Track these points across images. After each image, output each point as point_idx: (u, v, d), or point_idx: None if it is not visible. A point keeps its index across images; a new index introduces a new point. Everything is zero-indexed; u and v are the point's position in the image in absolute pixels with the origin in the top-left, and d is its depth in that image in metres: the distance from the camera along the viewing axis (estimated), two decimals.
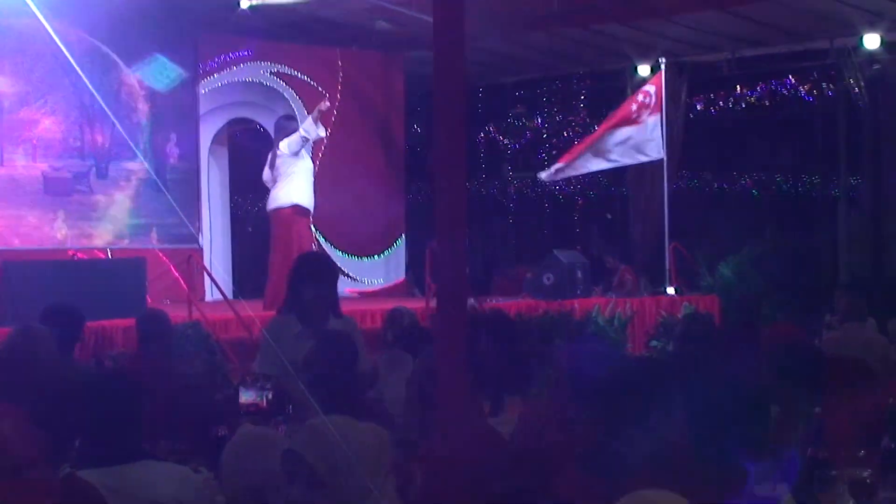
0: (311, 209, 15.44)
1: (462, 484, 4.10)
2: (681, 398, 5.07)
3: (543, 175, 17.94)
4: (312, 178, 15.42)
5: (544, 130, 25.11)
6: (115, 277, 12.90)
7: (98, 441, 4.75)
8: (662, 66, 17.36)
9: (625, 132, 16.92)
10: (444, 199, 4.36)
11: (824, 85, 20.89)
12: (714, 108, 21.70)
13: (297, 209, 15.12)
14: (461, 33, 4.50)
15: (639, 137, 16.84)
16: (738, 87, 21.41)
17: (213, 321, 12.82)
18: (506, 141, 25.35)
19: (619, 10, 17.42)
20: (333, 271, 7.55)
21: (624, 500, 3.59)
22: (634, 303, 15.78)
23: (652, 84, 17.47)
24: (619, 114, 17.43)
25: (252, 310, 14.15)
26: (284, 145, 15.05)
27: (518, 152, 25.84)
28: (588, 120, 24.09)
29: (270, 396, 4.93)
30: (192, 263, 15.76)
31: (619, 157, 17.05)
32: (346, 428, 3.72)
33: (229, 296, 16.08)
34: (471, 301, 14.56)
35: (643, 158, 17.08)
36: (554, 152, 24.85)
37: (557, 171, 17.51)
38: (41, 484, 4.57)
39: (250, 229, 21.79)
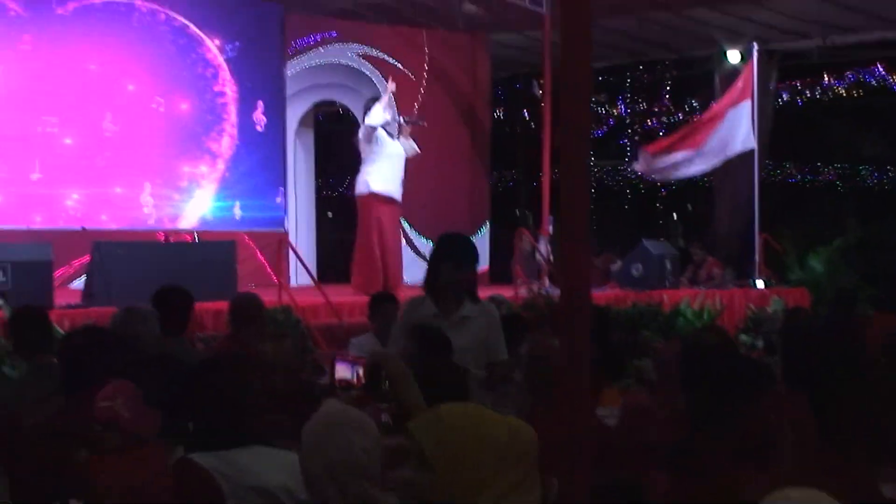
0: (394, 196, 15.06)
1: (576, 475, 4.02)
2: (797, 397, 4.96)
3: (638, 167, 17.59)
4: (399, 163, 15.06)
5: (627, 117, 24.95)
6: (206, 260, 12.84)
7: (210, 425, 4.69)
8: (755, 52, 17.08)
9: (718, 126, 16.64)
10: (567, 188, 4.20)
11: None
12: (801, 97, 21.44)
13: (375, 196, 14.90)
14: (588, 13, 4.34)
15: (729, 127, 16.57)
16: (826, 75, 21.13)
17: (302, 306, 12.75)
18: None
19: None
20: (473, 255, 7.30)
21: (769, 499, 3.46)
22: (724, 296, 15.59)
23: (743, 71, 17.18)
24: (717, 108, 17.17)
25: (339, 294, 14.12)
26: (359, 133, 14.94)
27: (600, 139, 25.69)
28: (672, 108, 23.90)
29: (361, 373, 4.82)
30: (281, 247, 15.71)
31: (716, 156, 16.73)
32: (476, 417, 3.56)
33: (308, 281, 16.03)
34: (551, 291, 14.49)
35: (734, 150, 16.76)
36: (636, 138, 24.73)
37: (653, 167, 17.16)
38: (154, 463, 4.52)
39: (330, 214, 21.77)
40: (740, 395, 4.79)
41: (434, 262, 7.23)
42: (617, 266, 17.02)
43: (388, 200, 15.02)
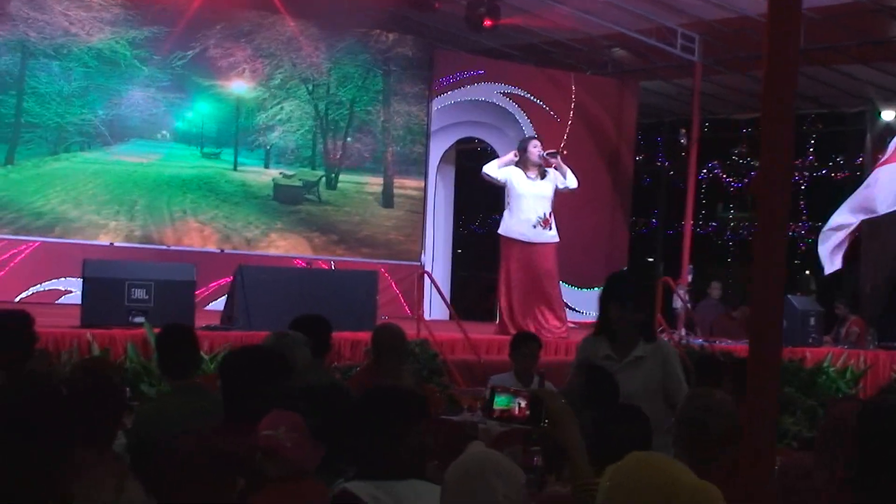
0: (525, 239, 14.88)
1: None
2: None
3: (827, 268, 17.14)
4: (536, 204, 14.91)
5: None
6: (347, 288, 12.81)
7: (372, 457, 4.59)
8: None
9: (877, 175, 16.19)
10: (764, 240, 4.04)
11: None
12: None
13: (504, 239, 14.99)
14: (796, 57, 4.17)
15: (887, 183, 16.09)
16: None
17: (440, 340, 12.65)
18: (728, 179, 24.83)
19: (865, 49, 16.88)
20: (643, 294, 7.08)
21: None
22: (868, 356, 15.20)
23: None
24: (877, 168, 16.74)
25: (475, 332, 14.00)
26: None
27: (739, 191, 25.34)
28: (816, 163, 23.50)
29: (524, 405, 4.66)
30: (419, 281, 15.63)
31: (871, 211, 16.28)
32: (660, 470, 3.39)
33: (444, 315, 15.98)
34: (700, 342, 14.21)
35: (889, 207, 16.30)
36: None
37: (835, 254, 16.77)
38: (314, 495, 4.40)
39: (460, 251, 21.61)
40: None
41: (603, 302, 7.02)
42: None
43: (517, 243, 14.91)
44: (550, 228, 14.86)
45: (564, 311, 15.49)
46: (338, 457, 4.66)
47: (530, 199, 14.68)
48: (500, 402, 4.64)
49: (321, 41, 17.27)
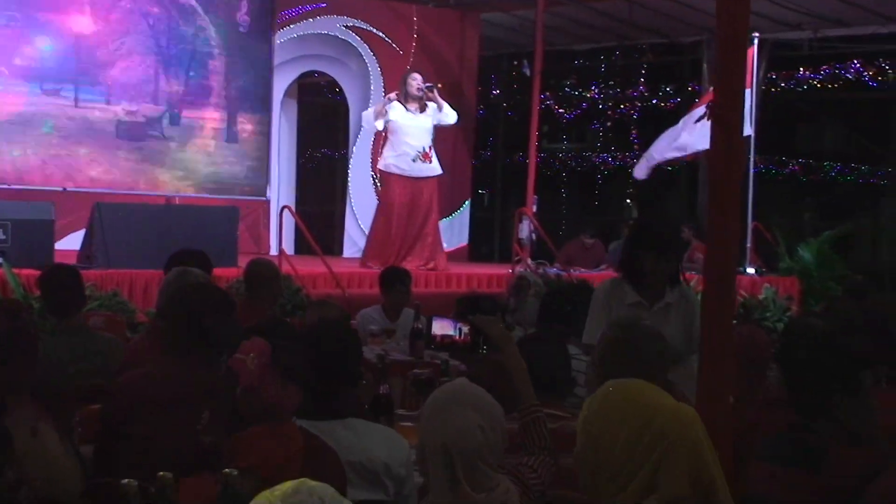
0: (408, 174, 15.10)
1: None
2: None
3: (638, 174, 17.49)
4: (418, 137, 15.03)
5: (599, 101, 24.86)
6: (207, 225, 12.66)
7: (312, 395, 4.57)
8: (755, 41, 16.96)
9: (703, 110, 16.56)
10: (717, 175, 4.13)
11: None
12: (789, 88, 21.41)
13: (386, 175, 15.19)
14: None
15: None
16: (814, 67, 21.09)
17: (302, 275, 12.58)
18: (560, 110, 25.07)
19: None
20: (678, 244, 6.92)
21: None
22: None
23: None
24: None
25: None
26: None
27: (571, 122, 25.63)
28: (646, 94, 23.84)
29: (465, 331, 4.67)
30: (268, 216, 15.50)
31: (702, 139, 16.66)
32: (637, 395, 3.43)
33: (290, 251, 15.89)
34: (554, 271, 14.37)
35: None
36: (608, 124, 24.68)
37: (649, 163, 17.14)
38: (293, 441, 4.36)
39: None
40: (848, 384, 4.71)
41: (633, 249, 6.77)
42: (613, 249, 16.98)
43: (397, 177, 15.02)
44: (431, 162, 14.92)
45: (442, 244, 15.55)
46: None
47: (410, 133, 14.72)
48: (439, 327, 4.66)
49: None
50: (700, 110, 16.50)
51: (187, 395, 5.07)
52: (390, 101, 14.82)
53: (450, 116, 14.98)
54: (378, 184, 15.25)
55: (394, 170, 14.83)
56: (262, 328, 5.49)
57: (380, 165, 15.14)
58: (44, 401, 5.31)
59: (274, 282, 9.16)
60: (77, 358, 6.89)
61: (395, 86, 17.05)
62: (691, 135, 16.46)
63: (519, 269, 15.05)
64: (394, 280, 10.16)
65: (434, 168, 15.10)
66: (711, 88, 16.54)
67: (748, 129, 16.41)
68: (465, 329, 4.64)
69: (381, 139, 15.70)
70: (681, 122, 16.88)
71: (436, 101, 14.87)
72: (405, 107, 14.68)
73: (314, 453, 4.28)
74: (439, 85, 15.81)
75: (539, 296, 9.78)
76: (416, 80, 14.88)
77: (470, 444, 3.81)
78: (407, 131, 14.70)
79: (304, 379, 4.46)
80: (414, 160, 14.82)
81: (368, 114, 14.87)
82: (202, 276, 7.07)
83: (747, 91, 15.86)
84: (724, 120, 4.18)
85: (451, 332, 4.84)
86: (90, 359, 7.02)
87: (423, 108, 14.78)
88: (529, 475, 4.33)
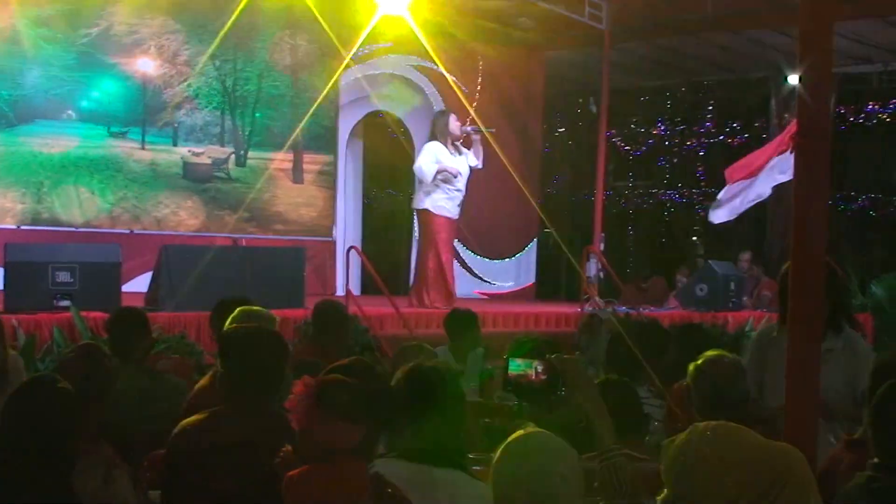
0: (451, 216, 14.98)
1: None
2: None
3: (714, 218, 17.22)
4: (460, 183, 14.86)
5: (665, 138, 24.71)
6: (274, 266, 12.58)
7: (414, 439, 4.49)
8: None
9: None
10: (803, 214, 4.02)
11: None
12: (864, 122, 21.14)
13: (433, 215, 14.87)
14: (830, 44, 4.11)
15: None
16: (888, 100, 20.81)
17: (368, 315, 12.50)
18: (626, 147, 24.95)
19: (773, 15, 16.98)
20: (830, 282, 6.54)
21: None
22: None
23: None
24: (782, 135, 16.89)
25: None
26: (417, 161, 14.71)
27: (639, 159, 25.46)
28: (714, 130, 23.67)
29: (541, 371, 4.55)
30: (334, 256, 15.46)
31: (779, 175, 16.47)
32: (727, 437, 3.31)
33: (356, 290, 15.80)
34: (624, 310, 14.23)
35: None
36: (675, 160, 24.50)
37: (725, 208, 16.90)
38: (351, 478, 4.25)
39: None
40: None
41: (782, 292, 6.43)
42: (681, 285, 16.85)
43: (446, 219, 14.85)
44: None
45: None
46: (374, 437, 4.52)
47: (460, 176, 14.57)
48: (515, 366, 4.52)
49: (227, 16, 16.98)
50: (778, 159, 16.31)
51: (240, 444, 4.97)
52: (434, 146, 14.57)
53: (480, 160, 14.80)
54: (420, 223, 14.97)
55: (444, 212, 14.65)
56: (345, 368, 5.38)
57: (427, 206, 14.70)
58: (114, 445, 5.27)
59: (343, 323, 9.09)
60: (145, 401, 6.84)
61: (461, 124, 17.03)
62: (766, 179, 16.30)
63: (587, 307, 14.92)
64: (463, 324, 10.02)
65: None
66: (791, 124, 16.56)
67: None
68: (542, 369, 4.50)
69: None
70: (761, 173, 16.56)
71: (474, 145, 14.69)
72: (447, 149, 14.53)
73: (381, 498, 4.18)
74: (493, 130, 15.62)
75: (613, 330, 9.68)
76: (457, 122, 14.77)
77: (552, 492, 3.70)
78: (458, 173, 14.54)
79: (360, 416, 4.35)
80: (460, 204, 14.72)
81: (427, 168, 14.46)
82: (268, 317, 7.00)
83: None
84: (809, 154, 4.05)
85: (527, 372, 4.71)
86: (158, 402, 6.96)
87: (459, 151, 14.62)
88: None
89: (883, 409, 4.54)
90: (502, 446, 3.96)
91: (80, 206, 15.80)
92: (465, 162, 14.62)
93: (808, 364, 4.26)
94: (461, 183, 14.64)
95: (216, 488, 4.94)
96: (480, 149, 14.74)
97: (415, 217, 15.54)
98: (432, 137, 14.68)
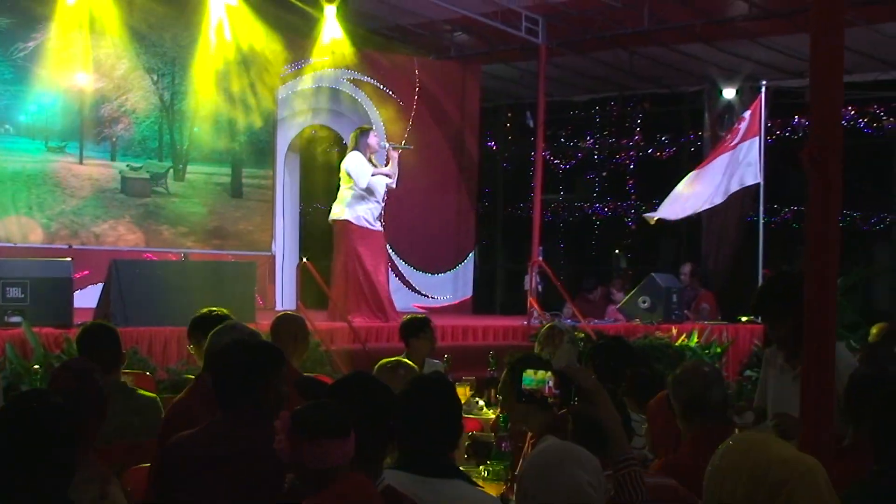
0: (374, 228, 14.92)
1: None
2: None
3: (651, 218, 17.32)
4: (380, 194, 14.86)
5: (595, 151, 24.82)
6: (224, 281, 12.53)
7: (416, 451, 4.51)
8: (763, 90, 16.99)
9: (722, 160, 16.56)
10: (816, 232, 4.06)
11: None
12: (794, 135, 21.37)
13: (354, 227, 14.76)
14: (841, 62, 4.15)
15: (736, 163, 16.48)
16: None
17: (320, 330, 12.48)
18: (556, 160, 25.03)
19: (708, 29, 17.17)
20: (784, 304, 6.30)
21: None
22: (729, 330, 15.45)
23: (750, 108, 17.02)
24: (722, 145, 17.07)
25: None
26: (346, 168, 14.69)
27: (568, 173, 25.55)
28: (643, 143, 23.80)
29: (553, 385, 4.56)
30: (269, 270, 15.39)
31: (722, 192, 16.63)
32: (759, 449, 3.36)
33: (293, 305, 15.71)
34: (569, 322, 14.31)
35: (741, 184, 16.64)
36: (604, 174, 24.65)
37: (666, 211, 17.07)
38: (360, 492, 4.26)
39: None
40: None
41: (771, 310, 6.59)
42: (621, 297, 16.96)
43: (365, 230, 14.77)
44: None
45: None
46: (376, 448, 4.53)
47: (378, 188, 14.57)
48: (528, 381, 4.53)
49: (165, 31, 16.93)
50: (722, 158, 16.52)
51: (236, 456, 4.97)
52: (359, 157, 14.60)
53: (394, 182, 14.81)
54: (337, 234, 14.90)
55: (364, 224, 14.65)
56: (298, 386, 5.38)
57: (347, 217, 14.62)
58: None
59: (303, 338, 9.01)
60: (116, 415, 6.78)
61: (397, 138, 17.07)
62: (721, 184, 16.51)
63: (535, 319, 15.00)
64: (416, 329, 10.09)
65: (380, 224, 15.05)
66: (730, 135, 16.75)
67: (758, 178, 16.46)
68: (553, 382, 4.52)
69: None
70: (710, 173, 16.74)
71: (393, 164, 14.71)
72: (368, 162, 14.56)
73: None
74: (411, 146, 15.67)
75: (574, 342, 9.73)
76: (377, 137, 14.86)
77: (582, 502, 3.74)
78: (377, 186, 14.56)
79: (342, 430, 4.35)
80: (378, 216, 14.77)
81: (364, 173, 14.41)
82: (251, 331, 6.97)
83: (751, 142, 16.13)
84: (823, 169, 4.09)
85: (541, 387, 4.71)
86: (131, 417, 6.95)
87: (375, 166, 14.65)
88: None
89: (886, 417, 4.63)
90: (528, 459, 3.98)
91: (18, 222, 15.65)
92: (383, 179, 14.62)
93: (823, 378, 4.32)
94: (380, 196, 14.68)
95: (211, 501, 4.93)
96: (397, 168, 14.74)
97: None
98: (354, 149, 14.67)
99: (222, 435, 5.03)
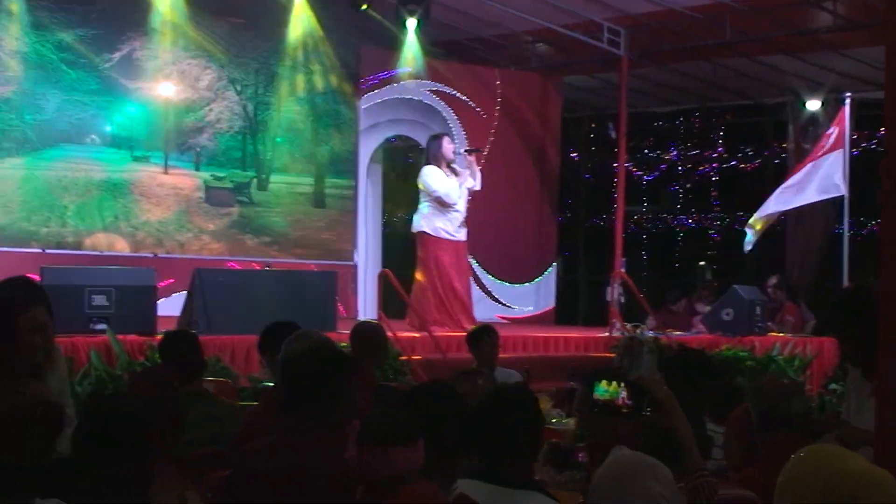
0: (453, 237, 14.92)
1: None
2: None
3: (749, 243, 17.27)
4: (461, 203, 14.87)
5: (678, 162, 24.71)
6: (306, 290, 12.62)
7: (494, 462, 4.50)
8: (847, 102, 16.86)
9: (807, 170, 16.48)
10: (891, 244, 4.02)
11: None
12: (879, 147, 21.14)
13: (433, 238, 14.85)
14: None
15: (819, 175, 16.39)
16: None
17: (401, 339, 12.52)
18: (638, 172, 24.94)
19: (791, 40, 17.05)
20: (851, 319, 6.42)
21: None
22: (813, 343, 15.32)
23: (835, 121, 16.92)
24: (808, 157, 17.00)
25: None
26: (422, 178, 14.69)
27: (651, 184, 25.45)
28: (725, 154, 23.65)
29: (626, 396, 4.55)
30: (355, 280, 15.46)
31: (804, 196, 16.55)
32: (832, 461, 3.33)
33: (374, 315, 15.75)
34: (651, 334, 14.25)
35: (821, 196, 16.56)
36: (688, 185, 24.52)
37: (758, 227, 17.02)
38: (424, 497, 4.27)
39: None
40: None
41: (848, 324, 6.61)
42: (706, 309, 16.86)
43: (445, 240, 14.82)
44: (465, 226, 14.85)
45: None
46: (448, 456, 4.54)
47: (454, 196, 14.56)
48: (601, 392, 4.53)
49: (248, 42, 17.09)
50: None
51: (304, 464, 4.97)
52: (432, 170, 14.58)
53: (478, 183, 14.81)
54: (419, 246, 14.92)
55: (443, 234, 14.67)
56: (427, 389, 5.39)
57: (425, 228, 14.73)
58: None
59: (383, 345, 9.04)
60: (199, 423, 6.84)
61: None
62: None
63: (616, 331, 14.94)
64: (475, 338, 10.14)
65: (465, 232, 15.00)
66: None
67: (842, 190, 16.33)
68: (626, 393, 4.51)
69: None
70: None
71: (471, 167, 14.70)
72: (444, 171, 14.55)
73: None
74: (484, 150, 15.64)
75: (654, 353, 9.71)
76: (451, 144, 14.83)
77: None
78: (452, 195, 14.54)
79: (410, 438, 4.36)
80: (460, 225, 14.74)
81: (438, 186, 14.40)
82: (323, 339, 7.01)
83: (836, 154, 16.01)
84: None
85: (614, 397, 4.70)
86: (211, 424, 6.98)
87: (455, 173, 14.62)
88: None
89: None
90: (601, 470, 3.99)
91: (104, 230, 15.86)
92: (461, 184, 14.62)
93: None
94: (460, 205, 14.67)
95: None
96: (477, 170, 14.76)
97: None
98: (427, 162, 14.70)
99: (291, 443, 5.04)
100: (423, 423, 4.47)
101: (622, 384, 4.51)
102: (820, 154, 16.45)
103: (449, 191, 14.41)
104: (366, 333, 9.01)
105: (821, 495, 3.20)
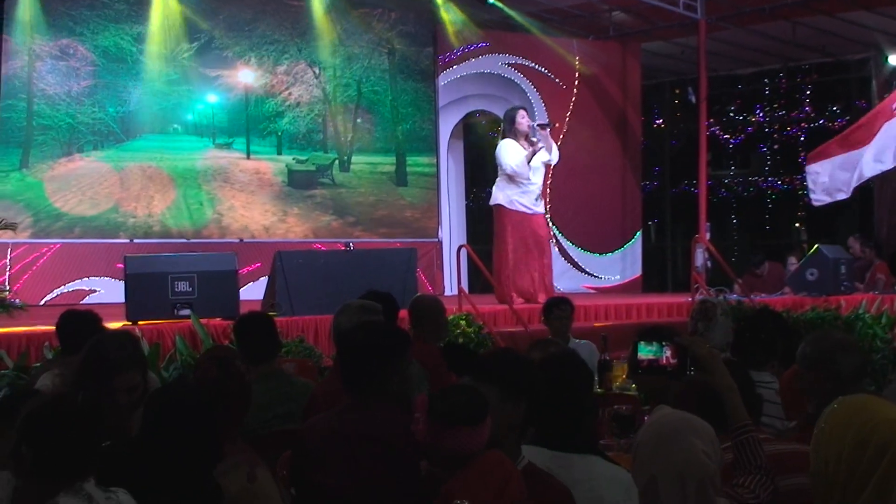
0: (529, 210, 14.65)
1: None
2: None
3: (816, 200, 17.11)
4: (536, 176, 14.57)
5: (765, 124, 24.50)
6: (386, 268, 12.69)
7: (552, 426, 4.55)
8: None
9: (888, 127, 16.21)
10: None
11: None
12: None
13: (508, 211, 14.68)
14: None
15: None
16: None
17: (483, 313, 12.57)
18: (725, 136, 24.76)
19: None
20: None
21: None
22: None
23: None
24: (882, 106, 16.73)
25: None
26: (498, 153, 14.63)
27: (739, 147, 25.26)
28: (813, 114, 23.43)
29: (670, 355, 4.57)
30: (440, 257, 15.53)
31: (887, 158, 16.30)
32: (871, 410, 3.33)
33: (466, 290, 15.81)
34: (735, 297, 14.18)
35: None
36: (776, 147, 24.30)
37: (826, 186, 16.79)
38: (498, 471, 4.30)
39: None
40: None
41: None
42: (791, 271, 16.73)
43: (521, 214, 14.72)
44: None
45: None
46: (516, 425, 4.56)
47: (527, 170, 14.49)
48: (644, 351, 4.56)
49: (324, 23, 17.20)
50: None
51: (363, 437, 4.99)
52: (510, 143, 14.48)
53: (554, 156, 14.66)
54: (495, 219, 14.82)
55: (519, 207, 14.58)
56: (445, 352, 5.41)
57: (501, 202, 14.58)
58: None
59: (440, 316, 9.06)
60: (273, 403, 6.94)
61: (558, 120, 17.05)
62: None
63: (698, 296, 14.85)
64: (548, 310, 10.12)
65: (542, 205, 14.89)
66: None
67: None
68: (670, 352, 4.54)
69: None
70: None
71: (545, 140, 14.54)
72: (520, 144, 14.44)
73: (542, 489, 4.25)
74: (556, 124, 15.47)
75: (727, 314, 9.66)
76: (525, 119, 14.64)
77: (700, 471, 3.76)
78: (525, 169, 14.43)
79: (478, 417, 4.38)
80: (537, 199, 14.63)
81: (516, 163, 14.31)
82: (376, 309, 7.09)
83: None
84: None
85: (657, 356, 4.73)
86: (288, 403, 7.06)
87: (531, 145, 14.48)
88: (747, 496, 4.26)
89: None
90: (644, 428, 4.02)
91: (189, 218, 16.08)
92: (538, 158, 14.53)
93: None
94: (536, 177, 14.58)
95: (340, 483, 5.00)
96: (553, 143, 14.66)
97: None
98: (504, 136, 14.64)
99: (350, 417, 5.08)
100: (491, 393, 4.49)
101: (665, 344, 4.53)
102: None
103: (519, 166, 14.32)
104: (422, 306, 9.06)
105: (855, 443, 3.21)
